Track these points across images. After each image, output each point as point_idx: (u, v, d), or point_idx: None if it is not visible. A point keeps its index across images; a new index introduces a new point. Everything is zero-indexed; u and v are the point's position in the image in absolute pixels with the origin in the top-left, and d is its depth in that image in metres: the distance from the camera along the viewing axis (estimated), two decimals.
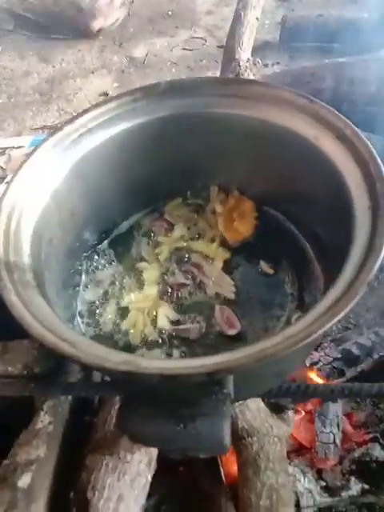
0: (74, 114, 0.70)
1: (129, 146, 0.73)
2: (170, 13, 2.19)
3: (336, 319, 0.44)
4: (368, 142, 0.59)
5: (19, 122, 1.70)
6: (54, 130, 0.67)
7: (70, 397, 0.75)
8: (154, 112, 0.71)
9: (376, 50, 1.60)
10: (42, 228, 0.62)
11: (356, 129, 0.61)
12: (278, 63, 1.85)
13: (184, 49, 1.99)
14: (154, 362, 0.44)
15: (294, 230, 0.75)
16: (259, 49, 1.87)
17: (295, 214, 0.74)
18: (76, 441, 0.74)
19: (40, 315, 0.49)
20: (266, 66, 1.87)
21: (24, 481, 0.60)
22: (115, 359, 0.44)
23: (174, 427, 0.42)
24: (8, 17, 2.20)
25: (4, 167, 1.52)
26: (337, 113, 0.63)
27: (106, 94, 1.79)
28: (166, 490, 0.79)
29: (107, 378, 0.70)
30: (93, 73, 1.89)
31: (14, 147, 1.58)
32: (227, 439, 0.42)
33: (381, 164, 0.56)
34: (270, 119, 0.68)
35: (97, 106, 0.70)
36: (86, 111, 0.69)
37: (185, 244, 0.81)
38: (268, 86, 0.67)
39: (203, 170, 0.81)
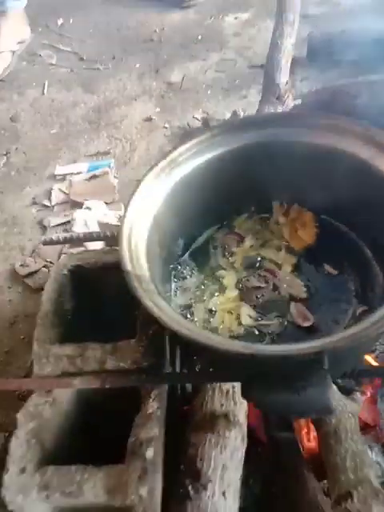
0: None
1: (208, 173, 0.87)
2: (199, 37, 2.34)
3: None
4: None
5: (73, 149, 1.87)
6: (154, 166, 0.81)
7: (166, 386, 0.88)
8: (228, 144, 0.85)
9: None
10: (149, 246, 0.77)
11: None
12: (306, 78, 1.97)
13: (217, 71, 2.14)
14: (267, 347, 0.57)
15: (353, 236, 0.88)
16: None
17: (354, 222, 0.86)
18: (172, 423, 0.87)
19: (169, 314, 0.63)
20: (295, 81, 1.99)
21: (149, 453, 0.73)
22: (237, 345, 0.57)
23: (290, 395, 0.54)
24: (50, 52, 2.40)
25: (67, 192, 1.69)
26: None
27: (150, 119, 1.94)
28: (252, 466, 0.91)
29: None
30: (135, 100, 2.05)
31: (73, 173, 1.76)
32: (332, 403, 0.55)
33: None
34: (327, 144, 0.82)
35: (182, 143, 0.84)
36: (174, 148, 0.83)
37: (255, 253, 0.94)
38: (328, 116, 0.80)
39: (266, 188, 0.94)
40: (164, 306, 0.65)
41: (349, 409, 0.80)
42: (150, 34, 2.42)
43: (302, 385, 0.55)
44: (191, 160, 0.84)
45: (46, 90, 2.19)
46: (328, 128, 0.79)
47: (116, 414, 0.84)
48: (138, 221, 0.76)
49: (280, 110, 1.29)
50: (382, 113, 1.23)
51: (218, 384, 0.86)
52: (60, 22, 2.61)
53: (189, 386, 0.96)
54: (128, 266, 0.68)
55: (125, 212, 0.75)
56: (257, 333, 0.82)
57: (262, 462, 0.93)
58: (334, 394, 0.81)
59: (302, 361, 0.55)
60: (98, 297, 0.98)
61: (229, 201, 0.94)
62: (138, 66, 2.26)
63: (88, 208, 1.35)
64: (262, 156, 0.86)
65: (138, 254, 0.72)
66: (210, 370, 0.80)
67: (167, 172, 0.82)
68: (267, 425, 0.93)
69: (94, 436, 0.90)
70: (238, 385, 0.75)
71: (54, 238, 1.01)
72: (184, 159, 0.83)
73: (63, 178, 1.76)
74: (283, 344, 0.71)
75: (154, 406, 0.82)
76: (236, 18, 2.44)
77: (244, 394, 0.58)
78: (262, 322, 0.82)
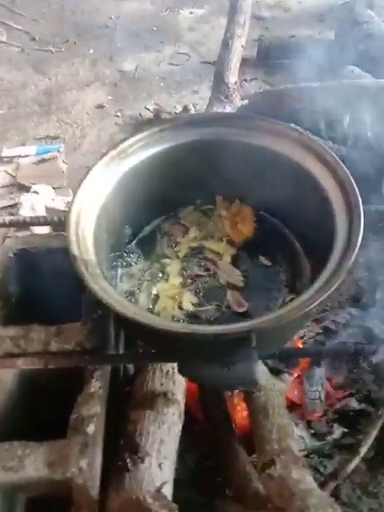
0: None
1: (156, 166, 0.91)
2: (154, 28, 2.36)
3: (328, 293, 0.64)
4: (343, 165, 0.80)
5: (22, 131, 1.84)
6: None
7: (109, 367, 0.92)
8: (177, 139, 0.90)
9: (340, 67, 1.85)
10: (97, 232, 0.80)
11: (334, 155, 0.82)
12: (255, 79, 2.06)
13: (170, 64, 2.17)
14: (204, 327, 0.63)
15: (286, 231, 0.96)
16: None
17: (288, 219, 0.94)
18: (115, 403, 0.92)
19: (114, 297, 0.67)
20: (244, 80, 2.07)
21: (91, 429, 0.77)
22: (177, 326, 0.63)
23: (221, 370, 0.61)
24: (0, 29, 2.32)
25: (13, 174, 1.66)
26: (320, 142, 0.84)
27: (102, 107, 1.94)
28: (188, 441, 0.98)
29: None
30: (87, 86, 2.04)
31: (20, 156, 1.73)
32: (257, 377, 0.62)
33: (353, 183, 0.77)
34: (267, 146, 0.89)
35: (133, 134, 0.88)
36: (125, 139, 0.87)
37: (198, 243, 0.99)
38: (268, 120, 0.87)
39: (211, 183, 1.00)
40: (109, 289, 0.69)
41: (277, 388, 0.88)
42: (105, 20, 2.41)
43: (231, 361, 0.61)
44: (140, 152, 0.88)
45: None
46: (266, 131, 0.86)
47: (61, 395, 0.87)
48: (87, 207, 0.79)
49: (228, 108, 1.35)
50: (318, 117, 1.33)
51: (159, 365, 0.91)
52: None
53: (131, 368, 1.01)
54: (75, 251, 0.71)
55: (73, 198, 0.78)
56: (196, 317, 0.88)
57: (197, 439, 1.00)
58: (263, 373, 0.88)
59: (232, 339, 0.62)
60: (44, 281, 1.00)
61: (175, 193, 0.99)
62: (91, 51, 2.25)
63: (35, 192, 1.35)
64: (206, 153, 0.91)
65: (85, 240, 0.75)
66: (152, 351, 0.85)
67: (117, 162, 0.85)
68: (203, 404, 1.00)
69: (38, 415, 0.92)
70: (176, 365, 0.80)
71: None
72: (133, 150, 0.87)
73: (10, 160, 1.72)
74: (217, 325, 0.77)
75: (97, 385, 0.86)
76: (191, 13, 2.49)
77: (181, 371, 0.63)
78: (201, 308, 0.88)
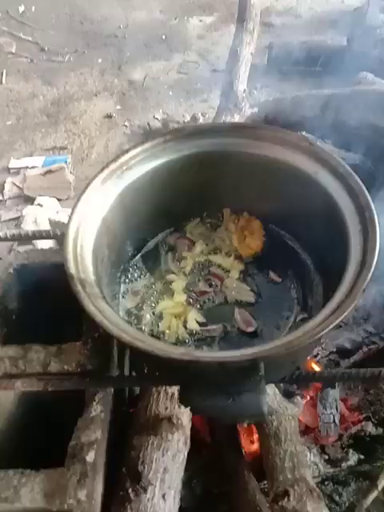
0: (117, 153, 0.84)
1: (159, 178, 0.87)
2: (163, 37, 2.34)
3: (341, 318, 0.59)
4: (358, 178, 0.75)
5: (30, 142, 1.83)
6: (104, 166, 0.80)
7: (112, 390, 0.88)
8: (180, 151, 0.86)
9: (354, 74, 1.79)
10: (97, 249, 0.76)
11: (347, 166, 0.77)
12: (267, 86, 2.02)
13: (179, 72, 2.15)
14: (207, 354, 0.59)
15: (297, 246, 0.91)
16: (249, 72, 2.04)
17: (298, 233, 0.90)
18: (117, 426, 0.88)
19: (112, 320, 0.63)
20: (255, 88, 2.04)
21: (90, 456, 0.73)
22: (177, 352, 0.58)
23: (226, 401, 0.56)
24: (10, 40, 2.32)
25: (20, 186, 1.65)
26: (332, 152, 0.80)
27: (110, 116, 1.92)
28: (195, 467, 0.93)
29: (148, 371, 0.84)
30: (96, 95, 2.02)
31: (28, 167, 1.71)
32: (265, 408, 0.57)
33: (368, 196, 0.72)
34: (276, 157, 0.84)
35: (135, 146, 0.84)
36: (126, 151, 0.83)
37: (205, 258, 0.95)
38: (276, 130, 0.82)
39: (218, 195, 0.96)
40: (107, 310, 0.65)
41: (289, 411, 0.84)
42: (114, 29, 2.40)
43: (237, 390, 0.56)
44: (142, 164, 0.84)
45: (4, 79, 2.12)
46: (275, 141, 0.82)
47: (64, 417, 0.83)
48: (86, 223, 0.76)
49: (237, 117, 1.32)
50: (329, 126, 1.28)
51: (164, 387, 0.87)
52: (21, 9, 2.53)
53: (137, 389, 0.97)
54: (72, 269, 0.67)
55: (71, 214, 0.74)
56: (202, 337, 0.83)
57: (205, 464, 0.95)
58: (275, 396, 0.84)
59: (237, 368, 0.57)
60: (45, 297, 0.97)
61: (180, 205, 0.95)
62: (100, 61, 2.24)
63: (39, 205, 1.32)
64: (212, 164, 0.87)
65: (83, 257, 0.72)
66: (156, 373, 0.81)
67: (118, 174, 0.82)
68: (211, 427, 0.96)
69: (39, 439, 0.89)
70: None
71: (1, 234, 0.99)
72: (135, 163, 0.83)
73: (17, 171, 1.71)
74: (222, 351, 0.73)
75: (98, 408, 0.82)
76: (201, 21, 2.47)
77: (182, 401, 0.59)
78: (207, 328, 0.84)
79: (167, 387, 0.86)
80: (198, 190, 0.93)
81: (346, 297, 0.63)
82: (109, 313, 0.65)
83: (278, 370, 0.71)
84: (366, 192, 0.73)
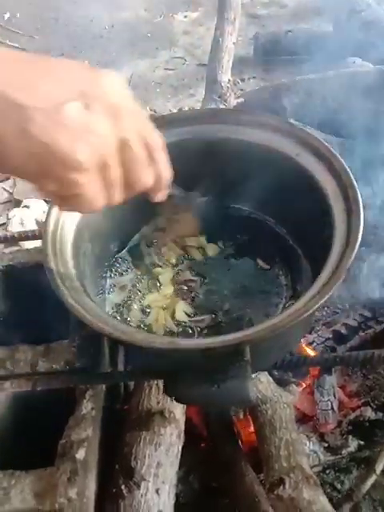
0: None
1: None
2: (149, 34, 2.33)
3: (326, 297, 0.58)
4: (340, 157, 0.73)
5: None
6: None
7: (104, 387, 0.87)
8: None
9: (341, 60, 1.78)
10: (78, 243, 0.75)
11: (329, 146, 0.75)
12: (253, 77, 2.01)
13: (166, 69, 2.14)
14: (190, 341, 0.57)
15: (283, 231, 0.89)
16: (235, 64, 2.01)
17: (284, 218, 0.88)
18: (110, 424, 0.86)
19: (93, 313, 0.62)
20: (242, 80, 2.02)
21: (80, 454, 0.72)
22: (161, 341, 0.57)
23: (210, 388, 0.55)
24: None
25: (10, 191, 1.64)
26: (313, 134, 0.78)
27: None
28: (192, 461, 0.92)
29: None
30: None
31: None
32: (251, 394, 0.55)
33: (351, 175, 0.70)
34: (257, 141, 0.83)
35: None
36: None
37: (181, 245, 0.93)
38: (256, 113, 0.81)
39: (199, 183, 0.94)
40: (89, 304, 0.64)
41: (283, 399, 0.82)
42: (100, 30, 2.39)
43: (222, 377, 0.55)
44: None
45: None
46: (255, 125, 0.80)
47: (57, 419, 0.82)
48: (65, 217, 0.74)
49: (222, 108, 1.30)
50: (317, 110, 1.27)
51: (155, 381, 0.86)
52: (7, 16, 2.53)
53: (131, 385, 0.95)
54: (51, 263, 0.66)
55: (50, 207, 0.73)
56: (190, 329, 0.82)
57: (202, 458, 0.94)
58: (268, 384, 0.82)
59: (221, 353, 0.56)
60: (32, 297, 0.96)
61: None
62: (86, 62, 2.22)
63: (26, 206, 1.31)
64: (191, 152, 0.86)
65: (62, 251, 0.70)
66: (147, 367, 0.80)
67: None
68: (206, 419, 0.94)
69: (31, 438, 0.88)
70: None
71: None
72: None
73: (7, 176, 1.70)
74: (208, 337, 0.71)
75: (89, 406, 0.81)
76: (186, 17, 2.45)
77: (166, 391, 0.57)
78: (196, 318, 0.82)
79: (159, 381, 0.85)
80: (179, 178, 0.91)
81: (330, 276, 0.61)
82: (90, 306, 0.64)
83: (266, 356, 0.70)
84: (349, 171, 0.71)
